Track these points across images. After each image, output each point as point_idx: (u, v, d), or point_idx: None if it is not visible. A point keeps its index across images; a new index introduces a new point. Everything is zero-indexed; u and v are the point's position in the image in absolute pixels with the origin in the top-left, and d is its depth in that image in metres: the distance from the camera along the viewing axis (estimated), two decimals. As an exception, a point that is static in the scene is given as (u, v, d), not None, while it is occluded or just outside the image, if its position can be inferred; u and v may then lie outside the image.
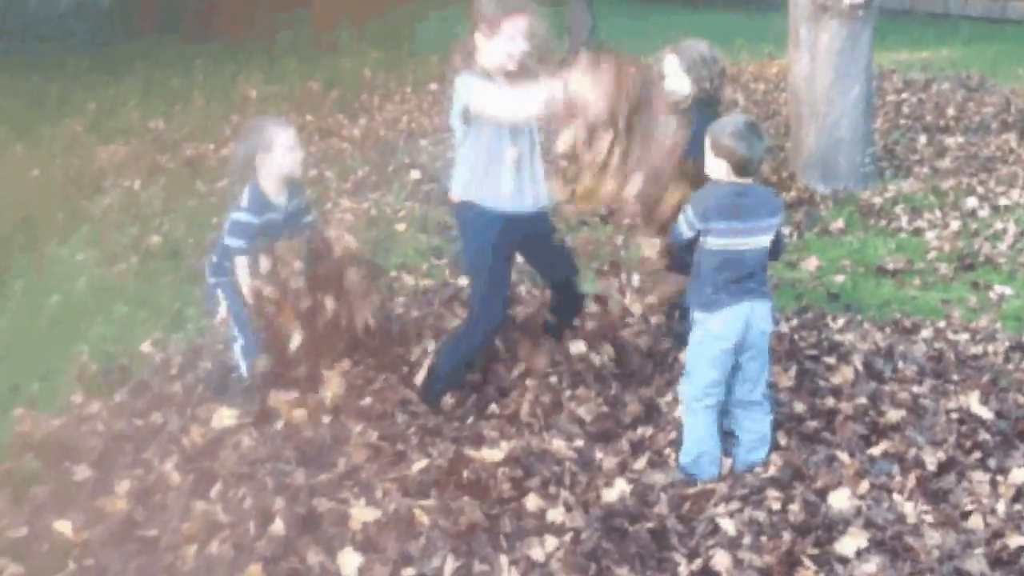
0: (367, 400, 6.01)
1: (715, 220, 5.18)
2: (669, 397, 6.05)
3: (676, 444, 5.56)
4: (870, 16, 10.54)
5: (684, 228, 5.29)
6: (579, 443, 5.63)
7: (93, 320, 7.74)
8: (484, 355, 6.40)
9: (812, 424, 5.76)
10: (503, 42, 5.71)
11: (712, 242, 5.21)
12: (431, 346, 6.52)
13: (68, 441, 5.83)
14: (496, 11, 5.69)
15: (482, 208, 5.93)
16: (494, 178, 5.88)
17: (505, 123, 5.74)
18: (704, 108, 6.17)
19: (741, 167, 5.20)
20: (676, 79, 6.24)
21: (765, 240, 5.29)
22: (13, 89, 16.65)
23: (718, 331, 5.28)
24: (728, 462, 5.42)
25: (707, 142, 5.27)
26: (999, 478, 5.25)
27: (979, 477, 5.24)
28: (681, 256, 5.55)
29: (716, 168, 5.26)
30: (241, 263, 6.08)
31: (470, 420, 5.95)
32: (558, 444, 5.57)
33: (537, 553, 4.72)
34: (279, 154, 6.11)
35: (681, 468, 5.42)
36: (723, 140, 5.18)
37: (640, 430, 5.79)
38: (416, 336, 6.73)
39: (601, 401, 6.03)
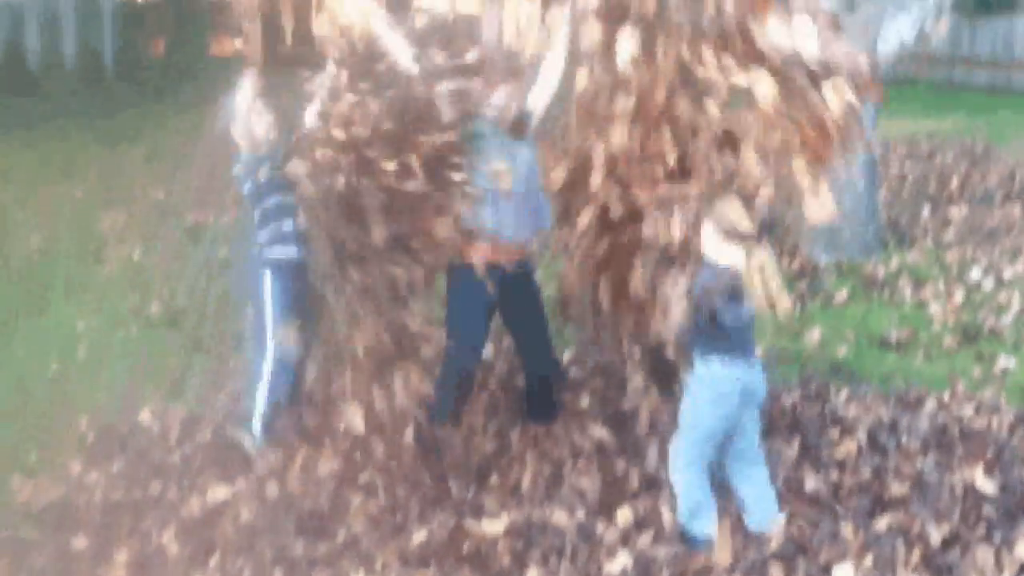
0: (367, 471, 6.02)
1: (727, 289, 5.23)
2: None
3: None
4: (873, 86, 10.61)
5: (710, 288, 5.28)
6: (580, 515, 5.63)
7: (93, 388, 7.75)
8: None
9: (816, 497, 5.76)
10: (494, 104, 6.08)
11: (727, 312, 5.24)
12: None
13: (66, 510, 5.84)
14: (491, 73, 6.10)
15: (468, 261, 6.14)
16: (486, 209, 6.08)
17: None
18: None
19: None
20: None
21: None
22: (16, 155, 16.73)
23: (726, 388, 5.30)
24: (726, 522, 5.41)
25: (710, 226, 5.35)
26: (1004, 552, 5.23)
27: (984, 552, 5.22)
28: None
29: (728, 252, 5.32)
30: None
31: (471, 492, 5.95)
32: (559, 516, 5.56)
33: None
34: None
35: (679, 528, 5.42)
36: (728, 224, 5.28)
37: (642, 502, 5.78)
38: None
39: (602, 473, 6.03)
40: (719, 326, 5.22)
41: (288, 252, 6.33)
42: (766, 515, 5.46)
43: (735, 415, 5.36)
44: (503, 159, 6.06)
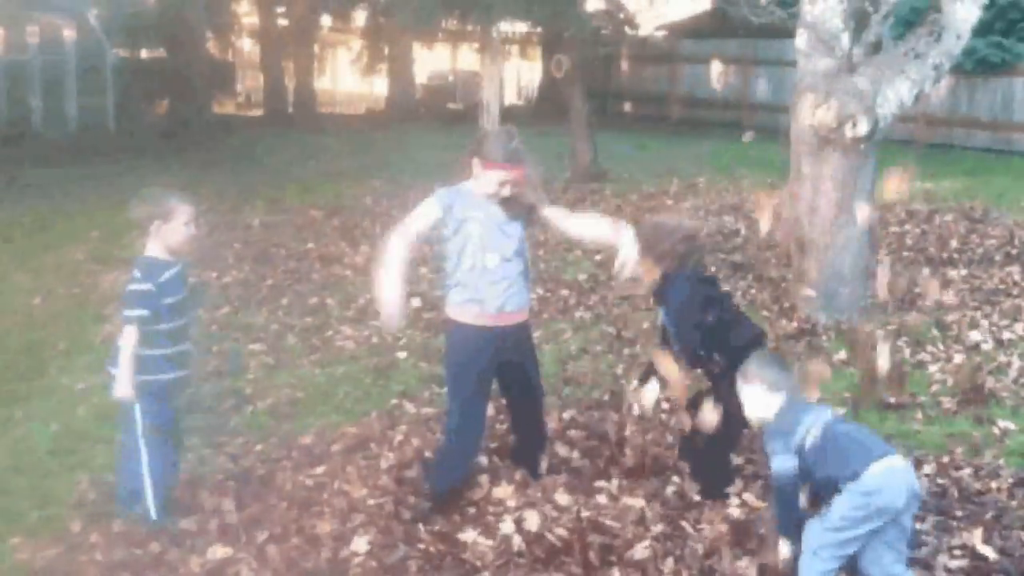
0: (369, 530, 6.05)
1: (797, 424, 5.33)
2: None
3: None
4: (872, 148, 10.71)
5: (780, 462, 5.31)
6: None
7: (93, 448, 7.79)
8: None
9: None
10: (486, 183, 6.24)
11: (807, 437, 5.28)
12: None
13: (67, 570, 5.86)
14: (487, 156, 6.22)
15: (464, 324, 6.29)
16: (476, 288, 6.25)
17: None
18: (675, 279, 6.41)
19: (775, 386, 5.45)
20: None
21: None
22: (18, 216, 16.83)
23: (885, 500, 5.14)
24: None
25: (741, 382, 5.56)
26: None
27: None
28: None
29: (754, 399, 5.51)
30: (129, 332, 6.19)
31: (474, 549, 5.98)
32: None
33: None
34: (176, 224, 6.35)
35: None
36: (751, 370, 5.50)
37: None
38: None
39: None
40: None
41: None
42: None
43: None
44: (502, 236, 6.27)
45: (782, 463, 5.27)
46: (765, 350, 5.66)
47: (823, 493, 5.28)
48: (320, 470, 7.04)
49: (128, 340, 6.11)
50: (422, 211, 6.31)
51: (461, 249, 6.25)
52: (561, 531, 5.93)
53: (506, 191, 6.21)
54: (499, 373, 6.48)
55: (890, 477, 5.13)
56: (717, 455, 6.49)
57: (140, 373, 6.22)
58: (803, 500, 5.40)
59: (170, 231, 6.35)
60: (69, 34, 29.43)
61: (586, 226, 6.72)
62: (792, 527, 5.35)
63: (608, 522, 6.05)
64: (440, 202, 6.26)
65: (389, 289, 6.20)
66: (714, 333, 6.20)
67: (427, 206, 6.31)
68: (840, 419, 5.56)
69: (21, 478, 7.28)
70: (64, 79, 29.31)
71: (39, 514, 6.67)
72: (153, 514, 6.25)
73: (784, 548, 5.36)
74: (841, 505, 5.16)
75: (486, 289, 6.22)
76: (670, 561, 5.68)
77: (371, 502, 6.40)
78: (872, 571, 5.26)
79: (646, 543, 5.83)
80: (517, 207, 6.29)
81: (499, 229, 6.25)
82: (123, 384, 6.15)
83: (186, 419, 6.61)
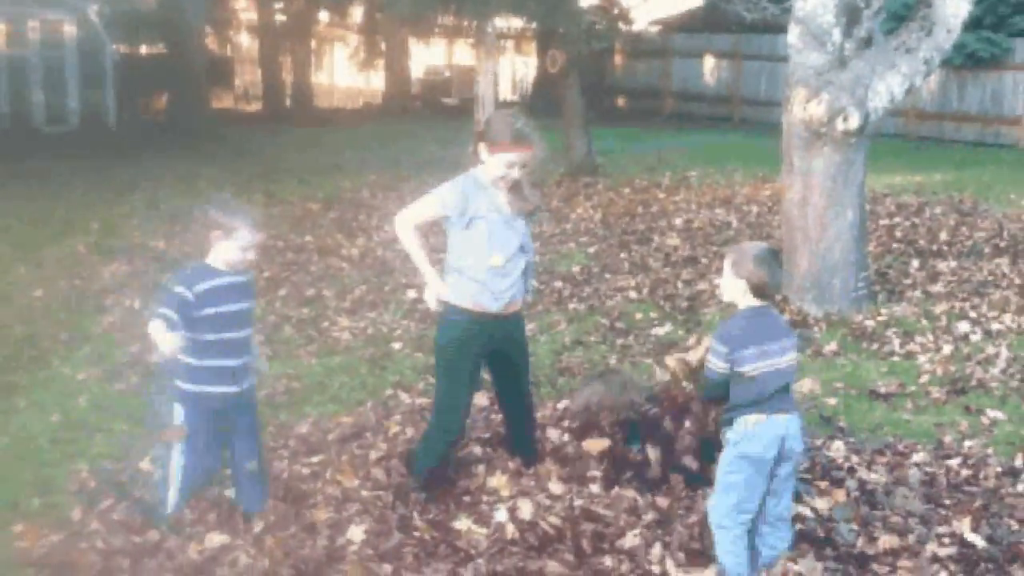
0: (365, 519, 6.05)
1: (747, 346, 5.30)
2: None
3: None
4: (863, 142, 10.71)
5: (715, 364, 5.37)
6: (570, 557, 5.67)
7: (93, 437, 7.80)
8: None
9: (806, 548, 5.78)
10: (498, 165, 6.16)
11: (747, 368, 5.30)
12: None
13: (67, 557, 5.86)
14: (499, 137, 6.03)
15: (458, 309, 6.27)
16: (479, 282, 6.23)
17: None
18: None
19: (759, 290, 5.38)
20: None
21: (792, 357, 5.44)
22: (21, 209, 16.83)
23: (758, 452, 5.34)
24: None
25: (727, 264, 5.45)
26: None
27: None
28: (718, 395, 5.56)
29: (733, 289, 5.43)
30: (154, 327, 5.91)
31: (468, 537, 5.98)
32: (552, 566, 5.59)
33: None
34: (232, 245, 6.29)
35: None
36: (746, 263, 5.36)
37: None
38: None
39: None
40: (757, 381, 5.31)
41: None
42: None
43: (764, 479, 5.40)
44: (510, 233, 6.28)
45: (712, 365, 5.40)
46: (771, 251, 5.56)
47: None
48: (316, 459, 7.04)
49: (154, 334, 5.97)
50: (429, 204, 6.32)
51: (469, 244, 6.23)
52: (554, 519, 5.93)
53: (515, 172, 6.17)
54: (490, 361, 6.49)
55: (762, 429, 5.35)
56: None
57: (182, 380, 6.12)
58: None
59: (225, 248, 6.26)
60: (69, 30, 29.39)
61: None
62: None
63: (600, 511, 6.05)
64: (450, 203, 6.21)
65: (427, 272, 6.36)
66: None
67: (436, 203, 6.29)
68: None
69: (22, 466, 7.27)
70: (65, 74, 29.28)
71: (40, 501, 6.67)
72: (168, 508, 6.22)
73: None
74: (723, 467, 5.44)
75: (490, 284, 6.20)
76: (658, 547, 5.69)
77: (364, 493, 6.40)
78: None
79: (636, 531, 5.84)
80: (523, 203, 6.30)
81: (507, 226, 6.24)
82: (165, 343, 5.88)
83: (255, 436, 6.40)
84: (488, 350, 6.37)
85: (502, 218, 6.23)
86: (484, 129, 6.31)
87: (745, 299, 5.40)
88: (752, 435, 5.34)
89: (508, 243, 6.24)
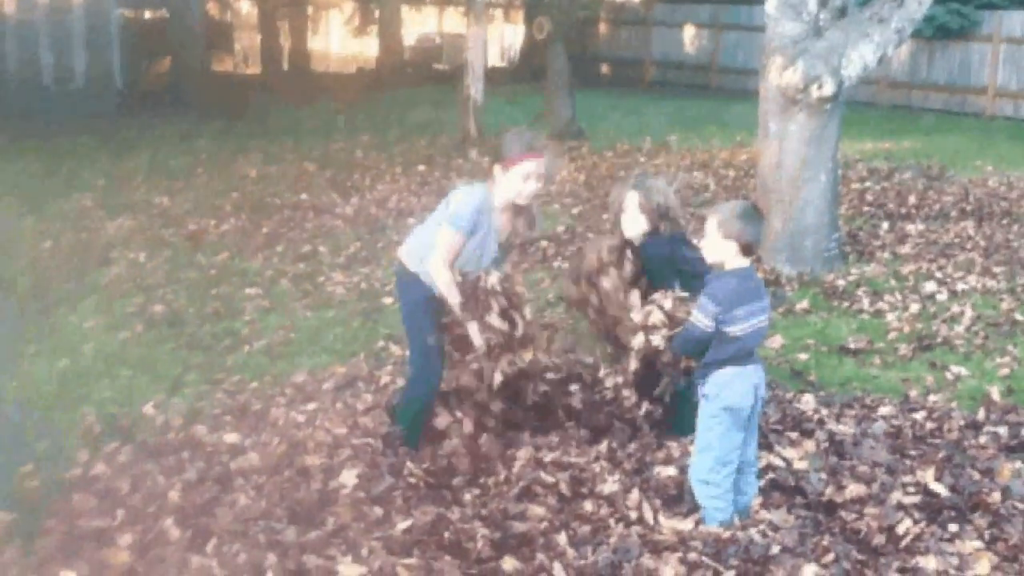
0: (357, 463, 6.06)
1: (737, 307, 5.24)
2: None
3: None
4: (836, 109, 10.70)
5: (704, 322, 5.26)
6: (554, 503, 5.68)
7: (99, 383, 7.80)
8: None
9: (776, 497, 5.80)
10: (515, 179, 6.01)
11: (735, 328, 5.25)
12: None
13: (74, 496, 5.86)
14: (512, 152, 5.94)
15: (414, 272, 6.27)
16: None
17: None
18: (655, 238, 6.32)
19: (748, 248, 5.31)
20: (633, 218, 6.27)
21: (768, 315, 5.45)
22: (29, 165, 16.80)
23: (737, 403, 5.34)
24: None
25: (713, 226, 5.33)
26: (954, 547, 5.25)
27: (936, 547, 5.25)
28: (696, 352, 5.49)
29: (724, 250, 5.31)
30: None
31: (455, 482, 6.00)
32: (535, 509, 5.61)
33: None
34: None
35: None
36: (734, 223, 5.27)
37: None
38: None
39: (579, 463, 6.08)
40: (740, 339, 5.28)
41: None
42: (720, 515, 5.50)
43: (743, 427, 5.43)
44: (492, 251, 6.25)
45: (703, 325, 5.28)
46: (752, 207, 5.50)
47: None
48: (311, 407, 7.05)
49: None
50: (455, 240, 6.07)
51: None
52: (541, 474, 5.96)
53: (532, 185, 6.05)
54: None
55: (739, 379, 5.36)
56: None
57: None
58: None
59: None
60: (76, -6, 29.25)
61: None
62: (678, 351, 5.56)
63: (575, 459, 6.09)
64: (469, 229, 6.09)
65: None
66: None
67: (460, 236, 6.07)
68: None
69: (31, 410, 7.27)
70: (72, 38, 29.09)
71: (48, 444, 6.67)
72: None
73: None
74: (704, 422, 5.42)
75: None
76: (635, 493, 5.71)
77: (355, 440, 6.41)
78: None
79: (616, 477, 5.86)
80: (526, 229, 6.32)
81: (494, 245, 6.24)
82: None
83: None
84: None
85: (492, 239, 6.20)
86: (496, 153, 6.17)
87: (735, 259, 5.30)
88: (731, 386, 5.32)
89: (486, 257, 6.23)
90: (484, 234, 6.16)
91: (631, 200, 6.27)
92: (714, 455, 5.39)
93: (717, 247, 5.34)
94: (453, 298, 6.11)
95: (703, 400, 5.44)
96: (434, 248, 6.10)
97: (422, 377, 6.36)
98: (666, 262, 6.23)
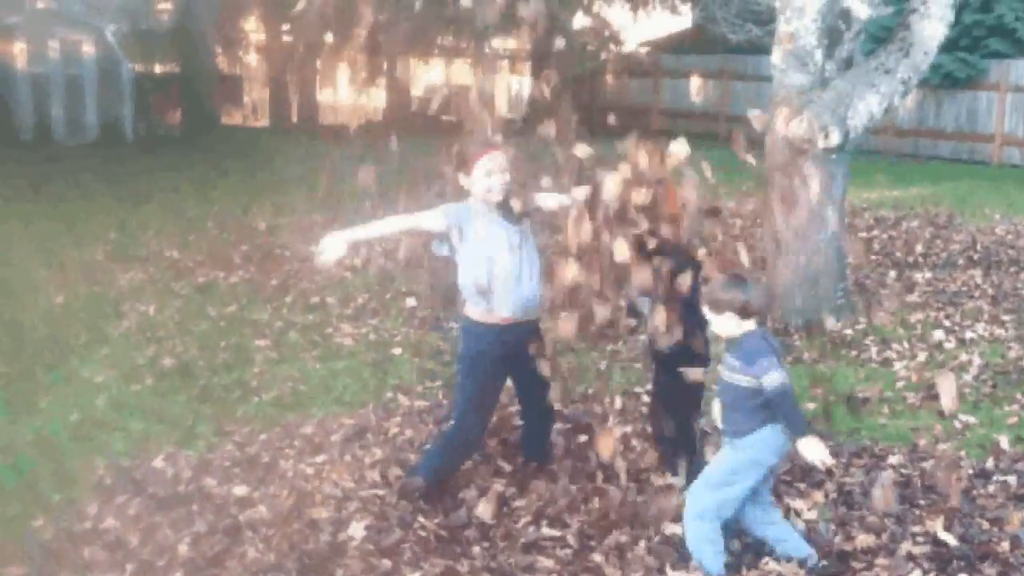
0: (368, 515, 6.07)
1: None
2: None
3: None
4: (843, 158, 10.73)
5: (784, 374, 5.28)
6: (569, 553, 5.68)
7: (110, 435, 7.82)
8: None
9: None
10: (481, 179, 6.14)
11: (769, 378, 5.28)
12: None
13: (85, 550, 5.87)
14: (470, 152, 6.10)
15: (477, 321, 6.22)
16: (490, 291, 6.16)
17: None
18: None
19: (744, 311, 5.37)
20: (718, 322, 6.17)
21: None
22: (42, 218, 16.88)
23: (770, 460, 5.43)
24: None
25: (707, 311, 5.48)
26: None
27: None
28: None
29: (727, 324, 5.42)
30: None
31: (466, 534, 6.00)
32: (543, 561, 5.61)
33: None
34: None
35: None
36: (718, 297, 5.41)
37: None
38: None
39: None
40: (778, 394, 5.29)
41: None
42: (799, 544, 5.59)
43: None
44: (507, 245, 6.23)
45: (783, 375, 5.26)
46: (732, 275, 5.57)
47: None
48: (320, 459, 7.06)
49: None
50: (426, 215, 6.26)
51: (471, 258, 6.19)
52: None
53: (496, 180, 6.14)
54: (510, 368, 6.42)
55: (778, 438, 5.40)
56: (683, 420, 6.39)
57: None
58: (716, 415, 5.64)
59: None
60: (88, 49, 29.46)
61: (554, 199, 6.68)
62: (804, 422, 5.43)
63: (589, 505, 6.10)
64: (446, 217, 6.20)
65: (349, 235, 6.36)
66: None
67: (432, 216, 6.24)
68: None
69: (44, 462, 7.29)
70: (84, 91, 29.35)
71: (60, 496, 6.69)
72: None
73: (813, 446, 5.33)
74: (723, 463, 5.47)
75: (498, 292, 6.16)
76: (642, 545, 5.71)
77: (364, 492, 6.41)
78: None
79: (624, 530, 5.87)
80: (512, 213, 6.29)
81: (505, 238, 6.21)
82: None
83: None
84: (505, 357, 6.29)
85: (499, 229, 6.20)
86: (457, 161, 6.29)
87: (742, 326, 5.39)
88: (770, 444, 5.39)
89: (507, 252, 6.19)
90: (481, 241, 6.18)
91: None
92: (721, 498, 5.42)
93: (720, 325, 5.45)
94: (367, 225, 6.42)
95: (731, 448, 5.48)
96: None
97: (462, 432, 6.34)
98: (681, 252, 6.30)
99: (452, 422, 6.51)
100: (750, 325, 5.40)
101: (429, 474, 6.35)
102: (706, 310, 5.46)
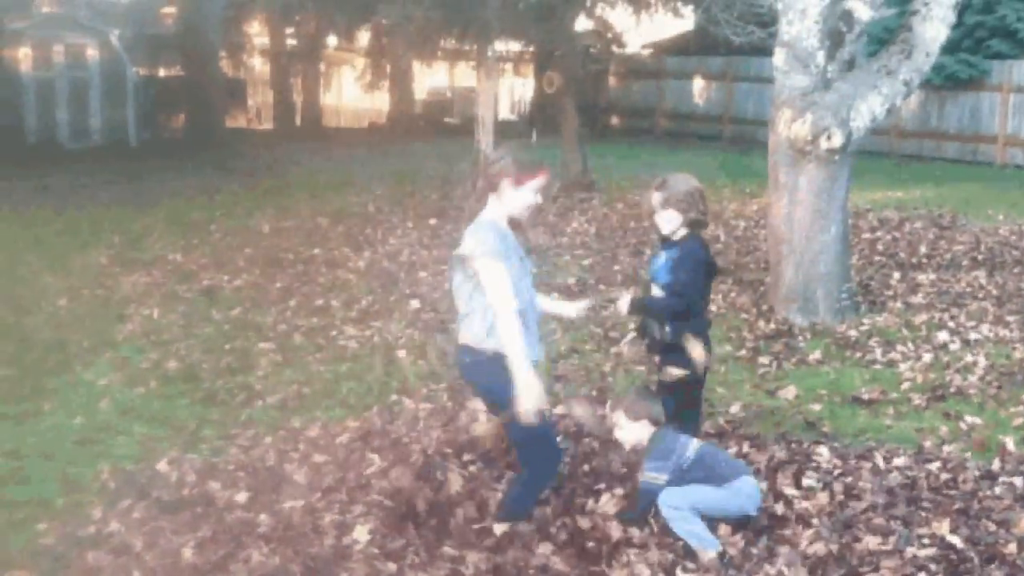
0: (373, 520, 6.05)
1: (683, 447, 5.98)
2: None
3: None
4: (846, 159, 10.72)
5: (664, 479, 5.88)
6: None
7: (115, 440, 7.80)
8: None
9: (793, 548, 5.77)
10: (526, 194, 5.85)
11: (688, 455, 5.96)
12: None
13: (88, 554, 5.85)
14: (521, 171, 5.80)
15: (500, 357, 5.67)
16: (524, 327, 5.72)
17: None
18: (692, 238, 6.38)
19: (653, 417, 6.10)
20: (664, 214, 6.37)
21: None
22: (47, 223, 16.90)
23: (744, 503, 5.92)
24: None
25: (622, 415, 6.06)
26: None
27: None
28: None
29: (643, 429, 6.08)
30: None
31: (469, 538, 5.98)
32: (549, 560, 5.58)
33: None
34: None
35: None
36: (638, 407, 6.05)
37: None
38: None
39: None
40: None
41: None
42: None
43: None
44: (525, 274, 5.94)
45: (663, 479, 5.84)
46: (643, 388, 6.29)
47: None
48: (325, 461, 7.03)
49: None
50: (501, 275, 5.61)
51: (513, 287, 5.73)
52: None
53: (539, 198, 5.98)
54: None
55: (752, 489, 5.97)
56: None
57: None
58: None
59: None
60: (93, 54, 29.52)
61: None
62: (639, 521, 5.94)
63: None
64: (503, 257, 5.67)
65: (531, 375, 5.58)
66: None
67: (500, 267, 5.62)
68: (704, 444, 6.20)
69: (48, 467, 7.29)
70: (88, 95, 29.41)
71: (64, 500, 6.67)
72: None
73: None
74: (708, 495, 5.82)
75: (529, 326, 5.81)
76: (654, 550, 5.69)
77: (368, 497, 6.39)
78: None
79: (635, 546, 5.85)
80: (530, 237, 6.22)
81: (524, 268, 5.89)
82: None
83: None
84: None
85: (521, 261, 5.91)
86: (502, 167, 5.86)
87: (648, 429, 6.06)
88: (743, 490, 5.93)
89: (528, 287, 5.89)
90: (520, 257, 5.87)
91: (656, 200, 6.36)
92: (692, 500, 5.78)
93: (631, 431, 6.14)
94: (519, 357, 5.54)
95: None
96: (492, 294, 5.64)
97: (543, 465, 5.96)
98: (695, 260, 6.32)
99: (523, 460, 6.02)
100: (651, 429, 6.04)
101: (522, 510, 6.02)
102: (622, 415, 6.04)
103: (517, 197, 5.86)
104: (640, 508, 5.92)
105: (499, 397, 5.70)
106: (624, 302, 6.39)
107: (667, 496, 5.74)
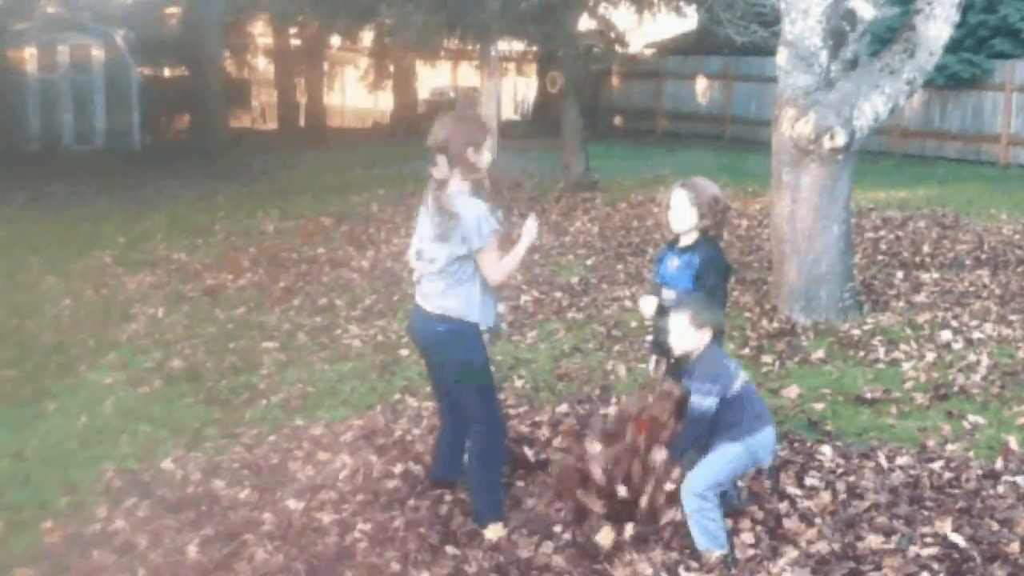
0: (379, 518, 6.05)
1: (731, 376, 5.70)
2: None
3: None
4: (849, 159, 10.71)
5: (711, 402, 5.62)
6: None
7: (118, 439, 7.81)
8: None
9: (794, 547, 5.77)
10: (484, 154, 6.16)
11: (735, 387, 5.70)
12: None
13: (93, 553, 5.86)
14: (479, 131, 6.18)
15: (476, 327, 6.07)
16: (489, 301, 6.08)
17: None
18: (708, 241, 6.36)
19: (721, 331, 5.92)
20: (683, 212, 6.35)
21: None
22: (51, 224, 16.92)
23: (762, 456, 5.80)
24: None
25: (687, 320, 5.74)
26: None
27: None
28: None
29: (703, 337, 5.74)
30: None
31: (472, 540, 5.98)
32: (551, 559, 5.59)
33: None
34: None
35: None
36: (705, 314, 5.73)
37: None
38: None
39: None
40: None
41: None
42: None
43: None
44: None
45: (709, 402, 5.62)
46: (705, 296, 5.98)
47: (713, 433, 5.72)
48: (328, 460, 7.04)
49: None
50: (498, 256, 5.99)
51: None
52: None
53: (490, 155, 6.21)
54: None
55: (772, 440, 5.84)
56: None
57: None
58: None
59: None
60: (97, 54, 29.55)
61: None
62: (689, 447, 5.79)
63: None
64: (497, 225, 6.01)
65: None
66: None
67: (497, 251, 5.98)
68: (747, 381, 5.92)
69: (52, 467, 7.30)
70: (92, 96, 29.43)
71: (68, 500, 6.68)
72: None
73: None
74: (730, 462, 5.70)
75: (488, 297, 6.10)
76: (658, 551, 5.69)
77: (371, 495, 6.39)
78: None
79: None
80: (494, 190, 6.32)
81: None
82: None
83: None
84: None
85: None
86: (464, 135, 6.14)
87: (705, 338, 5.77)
88: (766, 443, 5.80)
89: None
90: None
91: (678, 198, 6.35)
92: (716, 478, 5.65)
93: (698, 337, 5.77)
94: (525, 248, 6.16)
95: (729, 439, 5.69)
96: (489, 270, 6.00)
97: (496, 431, 6.16)
98: (718, 265, 6.32)
99: (479, 427, 6.15)
100: (707, 339, 5.79)
101: (492, 477, 6.16)
102: (686, 323, 5.77)
103: (479, 159, 6.07)
104: (687, 436, 5.74)
105: (469, 368, 6.05)
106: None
107: (696, 481, 5.60)
